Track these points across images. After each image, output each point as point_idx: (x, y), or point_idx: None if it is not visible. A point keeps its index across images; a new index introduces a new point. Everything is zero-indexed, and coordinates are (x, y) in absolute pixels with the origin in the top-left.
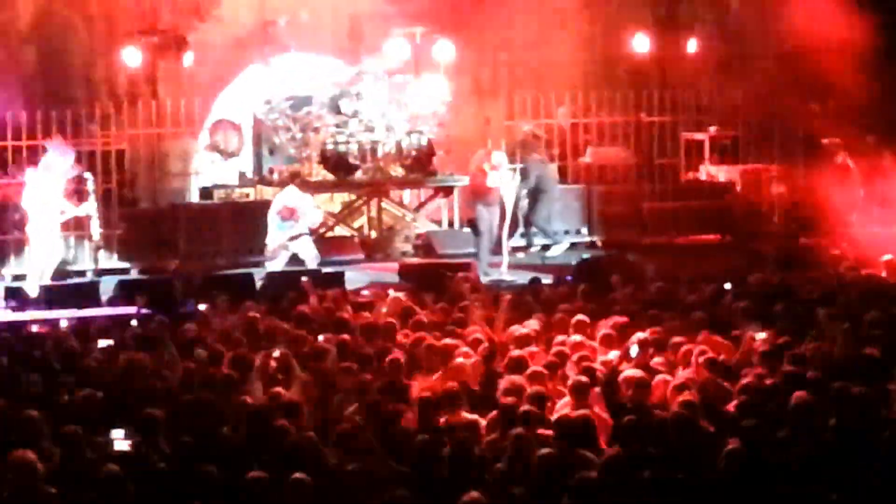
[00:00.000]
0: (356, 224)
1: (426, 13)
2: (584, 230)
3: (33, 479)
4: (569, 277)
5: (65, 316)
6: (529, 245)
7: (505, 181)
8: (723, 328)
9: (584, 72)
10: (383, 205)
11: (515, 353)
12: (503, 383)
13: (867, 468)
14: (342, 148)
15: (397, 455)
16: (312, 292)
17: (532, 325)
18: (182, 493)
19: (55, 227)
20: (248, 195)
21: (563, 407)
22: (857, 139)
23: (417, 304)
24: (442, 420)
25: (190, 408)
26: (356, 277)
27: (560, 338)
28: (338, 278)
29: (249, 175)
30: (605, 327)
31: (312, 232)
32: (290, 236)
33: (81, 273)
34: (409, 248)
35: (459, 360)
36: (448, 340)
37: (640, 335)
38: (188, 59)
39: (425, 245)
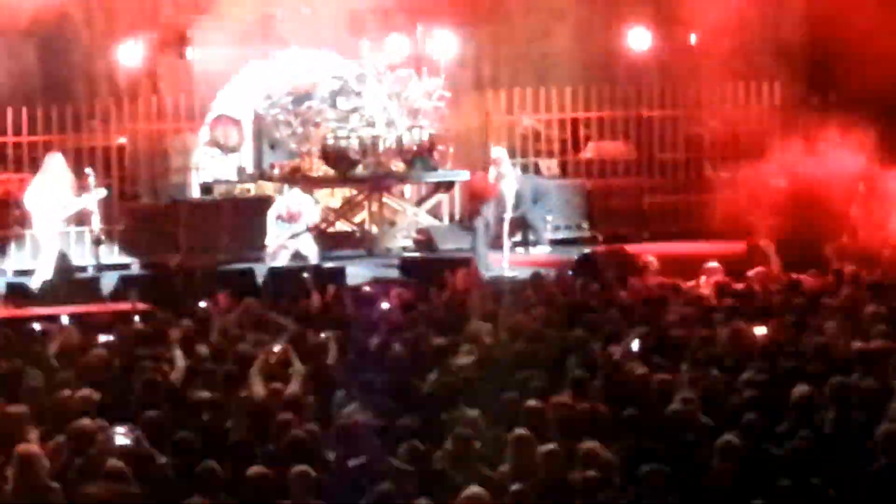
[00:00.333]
0: (357, 219)
1: (426, 7)
2: (585, 225)
3: (38, 474)
4: (570, 272)
5: (65, 311)
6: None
7: (506, 176)
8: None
9: (584, 66)
10: (384, 200)
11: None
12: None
13: (866, 462)
14: (343, 143)
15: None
16: (313, 288)
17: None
18: (184, 488)
19: (61, 224)
20: (248, 190)
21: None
22: (858, 131)
23: (418, 300)
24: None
25: (192, 403)
26: (357, 272)
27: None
28: (339, 273)
29: (250, 170)
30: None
31: (312, 228)
32: (290, 235)
33: (82, 268)
34: (409, 243)
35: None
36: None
37: (641, 329)
38: (188, 54)
39: (426, 240)
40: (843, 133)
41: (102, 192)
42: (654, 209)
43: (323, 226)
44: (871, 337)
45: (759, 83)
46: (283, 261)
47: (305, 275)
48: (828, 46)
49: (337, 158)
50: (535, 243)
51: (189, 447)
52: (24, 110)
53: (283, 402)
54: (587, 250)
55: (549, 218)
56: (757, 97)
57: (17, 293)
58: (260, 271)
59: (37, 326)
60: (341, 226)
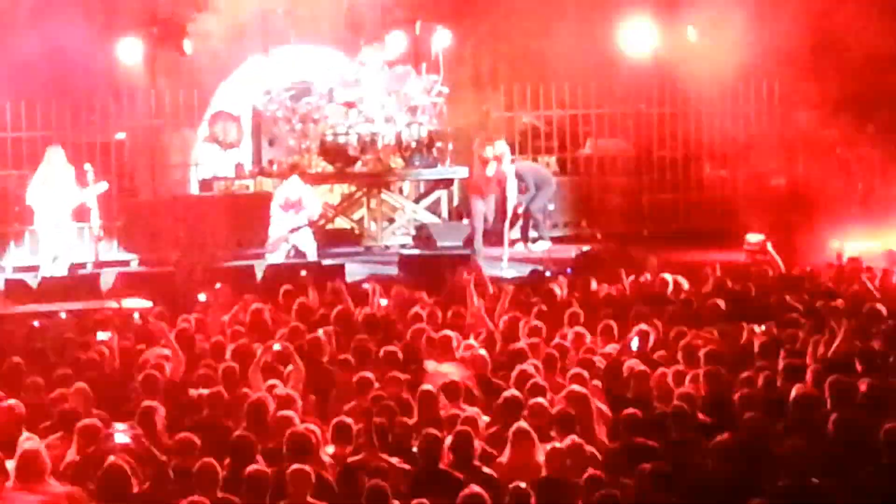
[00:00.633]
0: (356, 216)
1: (425, 4)
2: (584, 222)
3: (41, 472)
4: (569, 270)
5: (65, 308)
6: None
7: (506, 172)
8: (722, 321)
9: (583, 63)
10: (383, 196)
11: (517, 345)
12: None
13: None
14: (342, 139)
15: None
16: (312, 285)
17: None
18: (183, 485)
19: (64, 219)
20: (247, 187)
21: (562, 400)
22: (856, 131)
23: (417, 297)
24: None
25: (191, 400)
26: (356, 269)
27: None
28: (338, 270)
29: (249, 167)
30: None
31: (312, 224)
32: (291, 228)
33: (81, 265)
34: (408, 239)
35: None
36: (447, 332)
37: (640, 327)
38: (187, 49)
39: (425, 237)
40: (843, 133)
41: (103, 186)
42: (652, 207)
43: (322, 222)
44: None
45: (758, 81)
46: (282, 254)
47: (303, 272)
48: (827, 44)
49: (336, 155)
50: (537, 238)
51: (188, 444)
52: (23, 105)
53: (282, 399)
54: (586, 248)
55: (551, 208)
56: (757, 95)
57: (16, 289)
58: (259, 267)
59: (36, 323)
60: (340, 222)
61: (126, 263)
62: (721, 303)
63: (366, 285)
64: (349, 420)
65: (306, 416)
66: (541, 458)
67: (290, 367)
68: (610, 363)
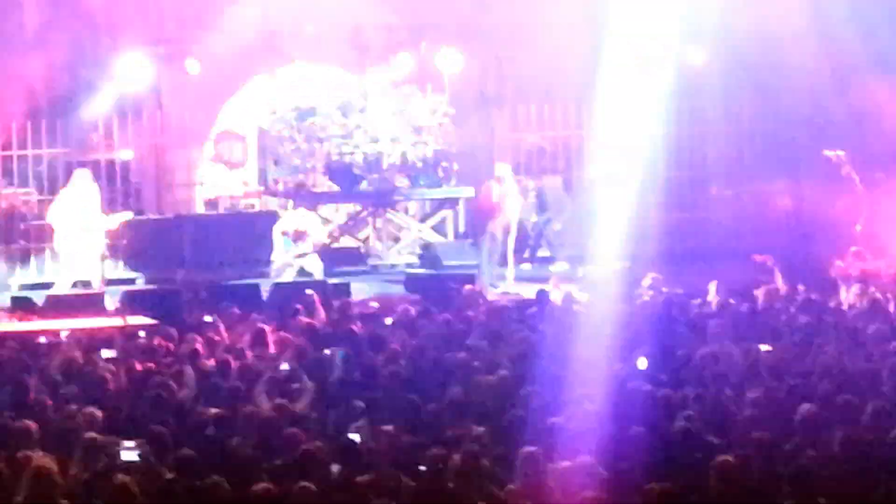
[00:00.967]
0: (362, 235)
1: (431, 24)
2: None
3: (51, 489)
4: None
5: (70, 326)
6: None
7: (510, 193)
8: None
9: (589, 84)
10: (389, 216)
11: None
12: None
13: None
14: (347, 159)
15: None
16: (318, 303)
17: None
18: None
19: (86, 240)
20: (253, 206)
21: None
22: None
23: (423, 316)
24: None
25: (197, 418)
26: (362, 288)
27: None
28: (344, 289)
29: (254, 186)
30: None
31: (317, 248)
32: (297, 255)
33: (87, 283)
34: (414, 259)
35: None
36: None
37: (647, 346)
38: (193, 69)
39: (431, 256)
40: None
41: (129, 215)
42: (658, 227)
43: (328, 242)
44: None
45: (762, 100)
46: (287, 277)
47: (309, 291)
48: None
49: (341, 174)
50: (553, 259)
51: (195, 463)
52: (30, 124)
53: (290, 417)
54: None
55: (558, 228)
56: (761, 114)
57: (23, 307)
58: (265, 286)
59: (42, 340)
60: (346, 241)
61: (132, 282)
62: (727, 322)
63: (372, 304)
64: (356, 438)
65: (313, 435)
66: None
67: (298, 386)
68: (616, 382)
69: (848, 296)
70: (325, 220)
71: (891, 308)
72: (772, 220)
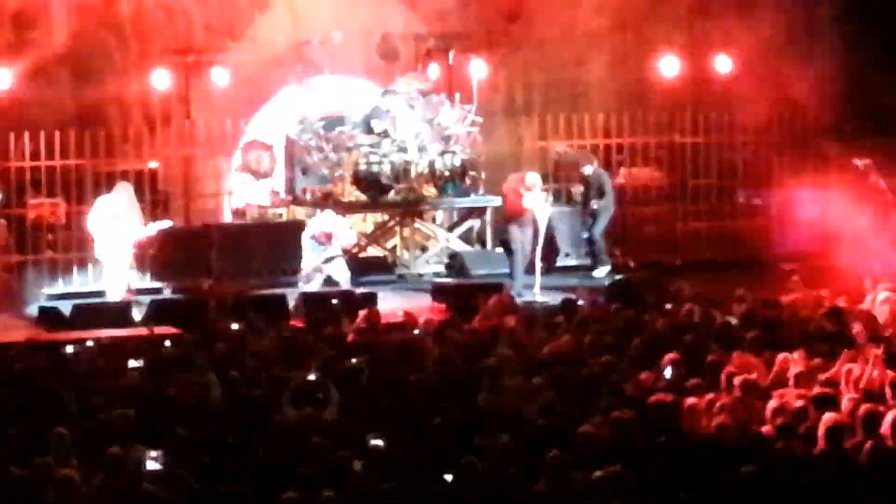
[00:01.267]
0: (389, 244)
1: (459, 34)
2: (618, 251)
3: (76, 499)
4: (601, 299)
5: (97, 336)
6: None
7: (539, 202)
8: (756, 348)
9: (617, 92)
10: (416, 225)
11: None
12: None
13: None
14: (375, 168)
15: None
16: (345, 313)
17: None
18: None
19: (126, 247)
20: (280, 215)
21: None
22: (889, 159)
23: (450, 325)
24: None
25: (224, 428)
26: (389, 298)
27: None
28: (371, 299)
29: (282, 195)
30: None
31: (345, 252)
32: (325, 259)
33: (115, 293)
34: (441, 268)
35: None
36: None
37: (672, 356)
38: (221, 79)
39: (458, 265)
40: (875, 159)
41: (168, 223)
42: (686, 236)
43: (355, 250)
44: None
45: (791, 109)
46: (316, 285)
47: (335, 301)
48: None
49: (369, 184)
50: (596, 264)
51: (221, 472)
52: (58, 135)
53: (317, 427)
54: (619, 276)
55: (585, 235)
56: (790, 124)
57: (50, 318)
58: (292, 296)
59: (69, 349)
60: (373, 251)
61: (159, 291)
62: (755, 331)
63: (399, 313)
64: (383, 446)
65: (340, 444)
66: (576, 486)
67: (324, 396)
68: (641, 391)
69: (875, 303)
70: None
71: None
72: (799, 229)
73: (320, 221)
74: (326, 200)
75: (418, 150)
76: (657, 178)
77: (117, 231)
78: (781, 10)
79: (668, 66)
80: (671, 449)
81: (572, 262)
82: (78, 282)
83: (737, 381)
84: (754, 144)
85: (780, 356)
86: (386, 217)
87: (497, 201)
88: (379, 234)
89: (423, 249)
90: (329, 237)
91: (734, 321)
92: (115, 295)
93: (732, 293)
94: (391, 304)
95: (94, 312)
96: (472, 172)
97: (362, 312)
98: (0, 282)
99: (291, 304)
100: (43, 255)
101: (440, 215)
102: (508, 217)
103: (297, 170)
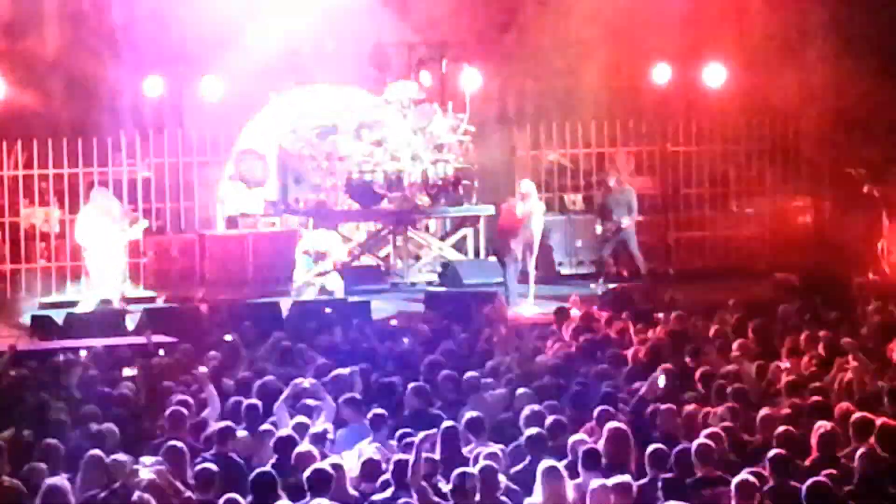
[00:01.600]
0: (382, 253)
1: (451, 42)
2: (611, 261)
3: None
4: (595, 307)
5: (90, 344)
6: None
7: (534, 210)
8: (750, 357)
9: (609, 101)
10: (409, 234)
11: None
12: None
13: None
14: (368, 177)
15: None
16: (338, 322)
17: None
18: None
19: (116, 253)
20: (273, 224)
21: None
22: (882, 168)
23: (442, 334)
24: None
25: (216, 436)
26: (382, 307)
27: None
28: (364, 307)
29: (275, 204)
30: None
31: (338, 267)
32: (317, 273)
33: (107, 301)
34: (434, 277)
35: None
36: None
37: (667, 365)
38: (213, 88)
39: (451, 274)
40: (868, 169)
41: (145, 224)
42: (679, 245)
43: (348, 260)
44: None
45: (783, 118)
46: (309, 296)
47: (328, 309)
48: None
49: (362, 192)
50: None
51: (213, 480)
52: (51, 143)
53: (309, 435)
54: (612, 285)
55: (579, 244)
56: (782, 133)
57: (42, 326)
58: (285, 305)
59: (61, 358)
60: (366, 260)
61: (152, 300)
62: (747, 340)
63: (393, 322)
64: (377, 456)
65: (332, 453)
66: (570, 495)
67: (317, 403)
68: (636, 400)
69: (868, 313)
70: (346, 239)
71: None
72: (793, 238)
73: (314, 238)
74: (319, 209)
75: (411, 158)
76: (649, 187)
77: (101, 237)
78: (773, 19)
79: (660, 75)
80: (665, 457)
81: (566, 270)
82: (71, 290)
83: (729, 390)
84: (746, 153)
85: (773, 365)
86: (379, 226)
87: (490, 210)
88: (372, 243)
89: (416, 258)
90: (322, 255)
91: (727, 330)
92: (88, 305)
93: (725, 302)
94: (384, 313)
95: (87, 321)
96: (464, 181)
97: (355, 322)
98: None
99: (285, 313)
100: (36, 264)
101: (433, 224)
102: (502, 226)
103: (290, 179)
